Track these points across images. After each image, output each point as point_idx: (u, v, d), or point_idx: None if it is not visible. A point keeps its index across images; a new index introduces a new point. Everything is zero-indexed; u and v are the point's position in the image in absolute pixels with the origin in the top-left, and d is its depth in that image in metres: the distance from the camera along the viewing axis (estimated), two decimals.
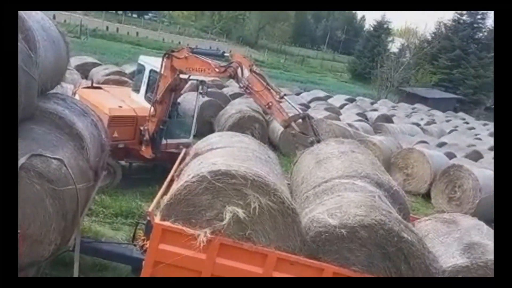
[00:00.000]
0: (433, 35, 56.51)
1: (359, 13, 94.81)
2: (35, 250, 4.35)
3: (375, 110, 28.30)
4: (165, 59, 8.52)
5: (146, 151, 9.31)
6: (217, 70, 7.99)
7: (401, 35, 60.57)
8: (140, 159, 9.62)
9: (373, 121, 22.56)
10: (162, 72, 8.62)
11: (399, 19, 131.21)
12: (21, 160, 4.12)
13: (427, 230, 5.76)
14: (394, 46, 63.00)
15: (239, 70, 7.84)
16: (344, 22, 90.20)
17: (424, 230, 5.76)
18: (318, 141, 7.20)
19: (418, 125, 25.63)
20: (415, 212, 11.34)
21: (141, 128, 9.28)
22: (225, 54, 8.54)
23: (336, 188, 5.25)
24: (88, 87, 10.28)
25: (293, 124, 7.58)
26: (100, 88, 10.54)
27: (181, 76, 8.66)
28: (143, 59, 10.52)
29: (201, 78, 9.26)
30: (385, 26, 64.48)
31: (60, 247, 4.56)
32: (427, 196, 13.77)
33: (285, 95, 8.07)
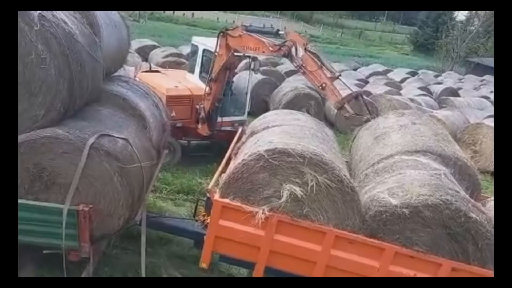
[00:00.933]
0: None
1: None
2: (105, 224, 4.65)
3: (440, 83, 26.66)
4: (220, 38, 8.61)
5: (203, 129, 9.56)
6: (271, 48, 7.99)
7: None
8: (197, 137, 9.87)
9: (437, 95, 21.31)
10: (217, 50, 8.72)
11: None
12: (90, 140, 4.37)
13: None
14: (461, 14, 58.49)
15: (293, 49, 7.78)
16: None
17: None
18: (367, 121, 7.01)
19: (487, 98, 23.83)
20: (484, 191, 10.67)
21: (197, 106, 9.51)
22: (280, 32, 8.45)
23: (397, 166, 5.07)
24: (146, 71, 10.64)
25: (346, 105, 7.45)
26: (157, 71, 10.87)
27: (236, 54, 8.71)
28: (196, 40, 10.71)
29: (254, 55, 9.21)
30: None
31: (128, 221, 4.83)
32: None
33: (340, 75, 7.97)
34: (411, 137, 5.56)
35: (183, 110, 9.60)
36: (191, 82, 10.17)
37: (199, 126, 9.58)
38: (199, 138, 9.93)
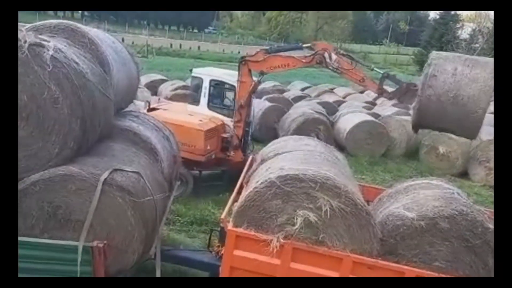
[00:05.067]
0: None
1: None
2: (120, 260, 4.62)
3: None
4: (241, 67, 9.34)
5: (237, 155, 9.86)
6: (304, 60, 8.98)
7: (471, 20, 56.47)
8: (229, 165, 9.97)
9: None
10: (240, 79, 9.47)
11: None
12: (104, 176, 4.42)
13: None
14: (465, 32, 58.94)
15: (326, 55, 8.79)
16: (407, 13, 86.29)
17: None
18: (410, 85, 8.50)
19: None
20: None
21: (224, 135, 9.96)
22: (304, 46, 9.43)
23: (410, 188, 5.08)
24: (149, 110, 10.14)
25: (385, 88, 8.97)
26: (155, 109, 10.35)
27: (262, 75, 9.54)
28: (198, 72, 10.95)
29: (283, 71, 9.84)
30: (452, 12, 60.62)
31: (143, 255, 4.80)
32: None
33: (373, 68, 9.69)
34: None
35: (214, 142, 9.88)
36: (203, 114, 10.29)
37: (231, 153, 9.91)
38: (230, 166, 9.98)
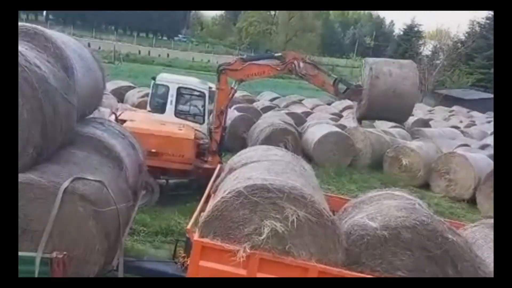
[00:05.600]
0: (466, 35, 54.79)
1: (388, 18, 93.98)
2: (80, 271, 4.45)
3: (411, 115, 27.55)
4: (221, 75, 9.78)
5: (214, 160, 9.94)
6: (278, 68, 9.90)
7: (432, 37, 59.06)
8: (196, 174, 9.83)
9: (409, 127, 21.96)
10: (220, 86, 9.91)
11: (429, 22, 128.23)
12: (64, 184, 4.26)
13: (474, 237, 5.48)
14: (426, 49, 61.56)
15: (296, 63, 9.81)
16: (373, 28, 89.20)
17: (471, 237, 5.49)
18: (357, 86, 9.92)
19: (457, 128, 24.71)
20: (461, 218, 10.84)
21: (199, 142, 10.09)
22: (276, 55, 10.31)
23: (374, 198, 5.19)
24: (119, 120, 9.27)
25: (339, 88, 10.12)
26: (125, 121, 9.43)
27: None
28: (163, 79, 10.80)
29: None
30: (415, 29, 63.24)
31: (105, 267, 4.66)
32: (472, 201, 13.15)
33: (331, 73, 11.03)
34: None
35: (195, 149, 9.91)
36: (174, 122, 10.11)
37: (209, 158, 10.13)
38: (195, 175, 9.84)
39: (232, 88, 10.12)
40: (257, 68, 9.87)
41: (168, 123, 9.97)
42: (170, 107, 10.42)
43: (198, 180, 9.41)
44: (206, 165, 9.97)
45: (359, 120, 10.41)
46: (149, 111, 10.90)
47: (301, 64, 9.87)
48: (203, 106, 10.74)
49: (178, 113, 10.53)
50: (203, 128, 10.57)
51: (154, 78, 10.90)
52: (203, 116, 10.71)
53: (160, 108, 10.59)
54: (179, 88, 10.46)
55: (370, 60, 10.15)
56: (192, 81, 11.15)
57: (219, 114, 10.09)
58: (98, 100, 6.51)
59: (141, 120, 10.01)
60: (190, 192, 9.49)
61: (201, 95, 10.64)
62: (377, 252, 4.41)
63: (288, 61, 9.81)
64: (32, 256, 4.15)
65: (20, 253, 4.15)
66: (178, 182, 10.17)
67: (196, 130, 10.18)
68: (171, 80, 10.73)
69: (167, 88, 10.49)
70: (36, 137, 4.25)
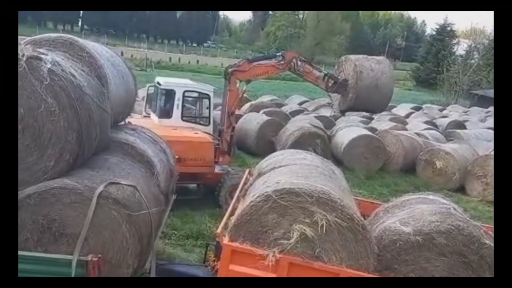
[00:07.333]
0: None
1: (419, 18, 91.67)
2: (114, 274, 4.55)
3: (445, 116, 26.78)
4: (231, 77, 10.23)
5: (225, 160, 10.38)
6: (281, 67, 10.63)
7: (467, 36, 57.20)
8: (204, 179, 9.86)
9: (443, 129, 21.33)
10: (229, 88, 10.33)
11: (463, 21, 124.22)
12: (99, 189, 4.39)
13: None
14: (460, 48, 59.64)
15: (294, 62, 10.67)
16: (403, 28, 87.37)
17: None
18: (344, 80, 10.94)
19: None
20: None
21: (216, 145, 10.12)
22: (277, 54, 11.18)
23: (406, 203, 5.09)
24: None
25: (329, 82, 11.08)
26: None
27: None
28: (166, 83, 10.49)
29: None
30: (448, 28, 61.46)
31: (137, 270, 4.74)
32: None
33: (322, 69, 11.67)
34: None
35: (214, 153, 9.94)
36: (184, 127, 10.00)
37: (220, 159, 10.29)
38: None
39: (241, 89, 10.61)
40: (263, 69, 10.50)
41: (179, 128, 9.82)
42: (177, 111, 10.09)
43: (210, 183, 9.73)
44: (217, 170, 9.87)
45: (344, 112, 12.19)
46: (144, 116, 10.66)
47: (299, 62, 10.73)
48: (208, 108, 10.64)
49: (184, 117, 10.30)
50: (209, 130, 10.44)
51: (159, 83, 10.53)
52: (208, 118, 10.56)
53: (165, 113, 10.27)
54: (185, 92, 10.24)
55: (353, 57, 11.27)
56: (195, 84, 11.01)
57: (230, 115, 10.45)
58: (130, 107, 6.70)
59: (151, 127, 10.05)
60: (199, 197, 9.74)
61: (206, 98, 10.52)
62: (410, 258, 4.31)
63: (288, 59, 10.57)
64: (69, 259, 4.30)
65: (57, 256, 4.32)
66: (184, 187, 9.83)
67: (207, 133, 10.06)
68: (176, 84, 10.47)
69: (173, 92, 10.16)
70: (72, 144, 4.40)
